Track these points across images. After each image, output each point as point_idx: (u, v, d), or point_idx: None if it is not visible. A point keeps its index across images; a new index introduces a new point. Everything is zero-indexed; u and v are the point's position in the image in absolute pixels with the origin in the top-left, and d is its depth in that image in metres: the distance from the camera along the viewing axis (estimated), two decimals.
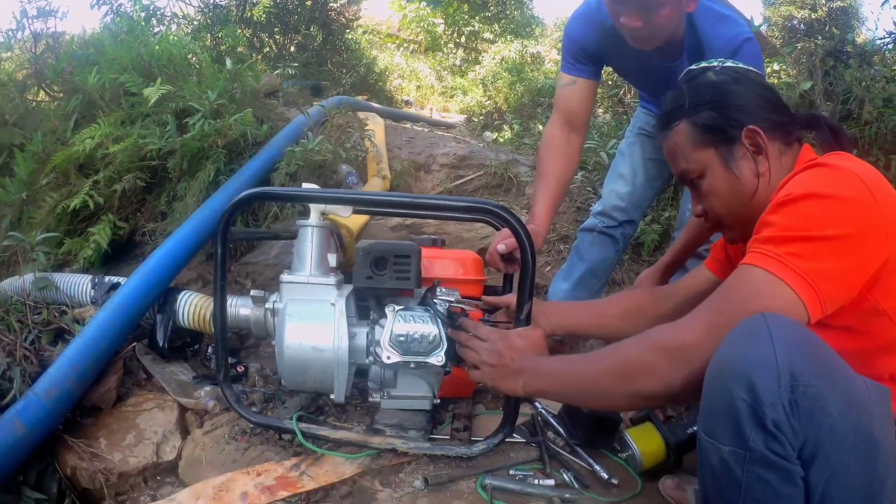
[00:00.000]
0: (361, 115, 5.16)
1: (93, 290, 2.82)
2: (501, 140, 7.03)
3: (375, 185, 4.23)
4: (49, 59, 4.77)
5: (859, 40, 4.68)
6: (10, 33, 5.02)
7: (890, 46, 4.48)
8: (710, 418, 1.32)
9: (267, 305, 2.23)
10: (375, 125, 5.16)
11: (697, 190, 1.74)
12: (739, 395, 1.23)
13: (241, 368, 2.65)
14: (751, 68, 1.77)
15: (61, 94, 4.49)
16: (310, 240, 2.19)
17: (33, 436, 2.07)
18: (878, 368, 1.46)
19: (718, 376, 1.29)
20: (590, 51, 2.58)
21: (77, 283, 2.85)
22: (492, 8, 13.80)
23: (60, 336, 2.63)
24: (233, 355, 2.82)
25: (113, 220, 3.30)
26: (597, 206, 3.08)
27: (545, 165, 2.60)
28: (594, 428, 2.21)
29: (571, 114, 2.64)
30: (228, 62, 3.79)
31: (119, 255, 3.47)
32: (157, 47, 3.94)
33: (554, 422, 2.32)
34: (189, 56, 4.08)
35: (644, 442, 2.07)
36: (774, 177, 1.62)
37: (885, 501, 1.29)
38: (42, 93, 4.92)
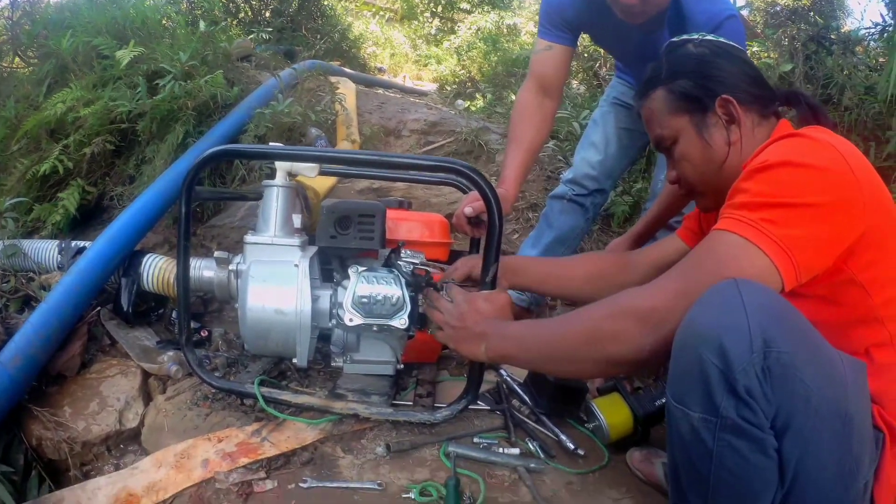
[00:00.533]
0: (333, 79, 5.07)
1: (59, 256, 2.77)
2: (473, 108, 6.95)
3: (344, 149, 4.17)
4: (25, 24, 4.69)
5: (843, 30, 4.64)
6: None
7: (875, 37, 4.44)
8: (679, 384, 1.27)
9: (230, 267, 2.19)
10: (347, 90, 5.08)
11: (672, 157, 1.74)
12: (710, 360, 1.19)
13: (204, 333, 2.61)
14: (731, 43, 1.76)
15: (36, 60, 4.42)
16: (275, 200, 2.13)
17: None
18: (854, 342, 1.42)
19: (688, 341, 1.25)
20: (569, 17, 2.53)
21: (44, 249, 2.80)
22: None
23: (28, 304, 2.59)
24: (196, 320, 2.78)
25: (82, 185, 3.24)
26: (567, 174, 3.02)
27: (517, 130, 2.55)
28: (560, 396, 2.17)
29: (546, 79, 2.59)
30: (202, 24, 3.71)
31: (88, 219, 3.42)
32: (131, 11, 3.86)
33: (519, 390, 2.28)
34: (163, 19, 4.00)
35: (611, 413, 2.04)
36: (746, 147, 1.61)
37: (861, 480, 1.26)
38: (17, 59, 4.85)
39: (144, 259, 2.63)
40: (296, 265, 2.05)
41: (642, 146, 3.01)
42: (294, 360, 2.09)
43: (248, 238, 2.13)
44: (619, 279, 2.02)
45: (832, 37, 4.27)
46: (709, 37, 1.76)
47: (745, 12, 6.23)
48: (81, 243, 2.77)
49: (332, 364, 2.21)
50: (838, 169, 1.36)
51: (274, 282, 2.04)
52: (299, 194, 2.32)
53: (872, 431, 1.33)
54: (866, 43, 4.53)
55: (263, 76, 4.35)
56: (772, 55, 4.54)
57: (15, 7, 5.15)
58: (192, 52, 3.38)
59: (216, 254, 2.22)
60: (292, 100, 3.58)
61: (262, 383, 2.12)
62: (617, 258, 2.16)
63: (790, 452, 1.19)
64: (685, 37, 1.78)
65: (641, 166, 4.08)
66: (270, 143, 2.24)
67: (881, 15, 4.40)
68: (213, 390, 2.18)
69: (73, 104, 3.32)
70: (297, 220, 2.19)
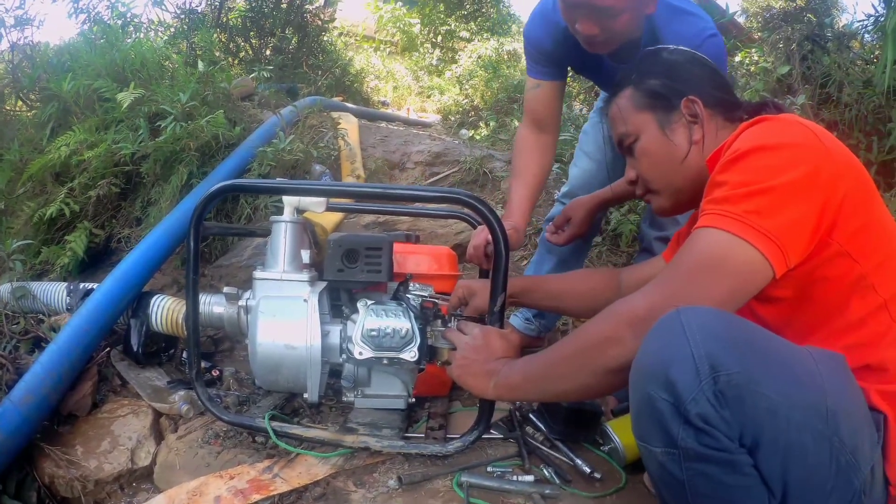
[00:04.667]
0: (335, 114, 5.11)
1: (68, 298, 2.79)
2: (478, 137, 7.00)
3: None
4: (26, 68, 4.75)
5: (838, 26, 4.64)
6: None
7: (869, 28, 4.45)
8: (638, 423, 1.28)
9: (240, 303, 2.20)
10: (349, 124, 5.11)
11: (632, 155, 1.76)
12: (660, 396, 1.19)
13: (215, 372, 2.60)
14: (704, 56, 1.80)
15: (38, 103, 4.47)
16: (283, 235, 2.15)
17: (11, 444, 2.02)
18: (850, 314, 1.42)
19: (637, 380, 1.26)
20: (548, 52, 2.52)
21: (53, 291, 2.82)
22: (467, 6, 13.70)
23: (38, 345, 2.60)
24: (207, 359, 2.78)
25: (89, 228, 3.26)
26: (563, 189, 2.96)
27: (518, 164, 2.57)
28: (574, 421, 2.17)
29: (539, 116, 2.60)
30: (200, 64, 3.75)
31: (96, 262, 3.43)
32: (131, 52, 3.90)
33: (532, 416, 2.28)
34: (163, 61, 4.05)
35: (626, 434, 2.03)
36: (709, 147, 1.63)
37: (865, 466, 1.25)
38: (20, 102, 4.91)
39: (153, 300, 2.63)
40: (305, 300, 2.07)
41: None
42: (305, 396, 2.09)
43: (257, 274, 2.15)
44: (612, 297, 2.04)
45: (827, 34, 4.28)
46: (681, 48, 1.80)
47: (741, 19, 6.28)
48: (90, 285, 2.78)
49: (344, 399, 2.21)
50: (808, 142, 1.38)
51: (283, 317, 2.05)
52: (307, 230, 2.34)
53: (869, 415, 1.32)
54: (861, 36, 4.54)
55: (265, 115, 4.39)
56: (768, 59, 4.56)
57: (15, 50, 5.22)
58: (192, 92, 3.41)
59: (225, 290, 2.24)
60: (294, 137, 3.61)
61: (272, 418, 2.12)
62: (608, 277, 2.15)
63: (769, 465, 1.18)
64: (660, 46, 1.84)
65: None
66: (277, 179, 2.25)
67: (873, 6, 4.37)
68: (225, 428, 2.18)
69: (77, 147, 3.35)
70: (305, 255, 2.19)
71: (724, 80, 1.76)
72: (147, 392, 2.48)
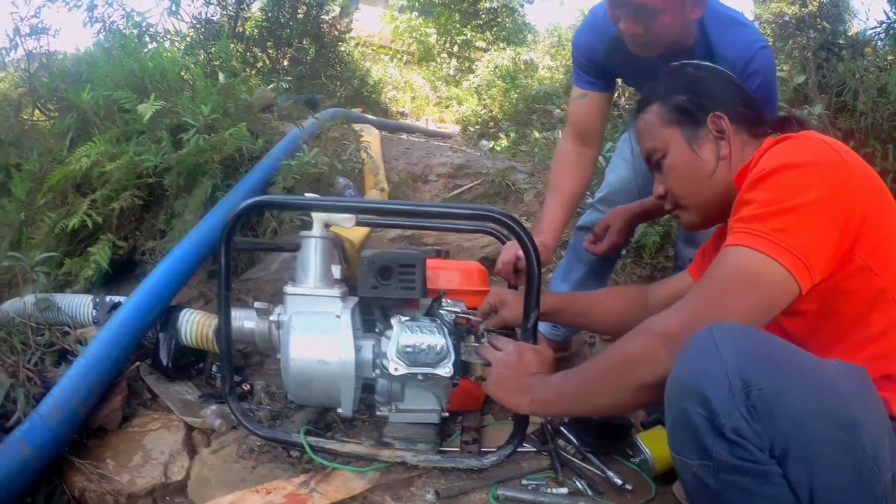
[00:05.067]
0: (356, 126, 5.14)
1: (94, 310, 2.80)
2: (498, 148, 7.03)
3: (374, 197, 4.21)
4: (43, 77, 4.76)
5: (851, 33, 4.65)
6: (2, 52, 5.03)
7: (882, 35, 4.46)
8: (674, 437, 1.33)
9: (272, 318, 2.22)
10: (371, 137, 5.13)
11: (661, 170, 1.80)
12: (695, 411, 1.24)
13: (246, 386, 2.62)
14: (727, 71, 1.85)
15: (56, 113, 4.48)
16: (313, 251, 2.17)
17: (39, 458, 2.04)
18: (872, 326, 1.48)
19: (673, 396, 1.31)
20: (597, 62, 2.53)
21: (79, 304, 2.83)
22: (483, 16, 13.79)
23: (64, 357, 2.60)
24: (237, 373, 2.79)
25: (112, 240, 3.27)
26: (597, 195, 2.90)
27: (556, 178, 2.58)
28: (605, 433, 2.20)
29: (583, 128, 2.61)
30: (221, 76, 3.76)
31: (119, 274, 3.43)
32: (150, 63, 3.91)
33: (564, 429, 2.30)
34: (182, 72, 4.06)
35: (656, 446, 2.06)
36: (735, 162, 1.68)
37: (886, 474, 1.29)
38: (37, 112, 4.92)
39: (182, 314, 2.65)
40: (337, 316, 2.09)
41: None
42: (339, 410, 2.12)
43: (289, 289, 2.17)
44: (640, 315, 2.06)
45: (841, 42, 4.29)
46: (706, 63, 1.86)
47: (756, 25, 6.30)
48: (117, 298, 2.79)
49: (378, 413, 2.23)
50: (831, 160, 1.45)
51: (316, 332, 2.08)
52: (336, 245, 2.36)
53: (890, 424, 1.36)
54: (874, 43, 4.55)
55: (286, 126, 4.40)
56: (784, 67, 4.57)
57: (31, 59, 5.23)
58: (214, 104, 3.42)
59: (256, 305, 2.27)
60: (318, 150, 3.61)
61: (307, 433, 2.14)
62: (636, 294, 2.18)
63: (797, 474, 1.22)
64: (685, 61, 1.87)
65: None
66: (306, 194, 2.27)
67: (885, 13, 4.40)
68: (259, 443, 2.21)
69: (98, 158, 3.35)
70: (336, 271, 2.23)
71: (748, 96, 1.80)
72: (178, 406, 2.50)
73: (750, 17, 6.34)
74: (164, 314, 2.66)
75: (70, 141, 3.80)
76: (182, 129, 3.41)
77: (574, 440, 2.25)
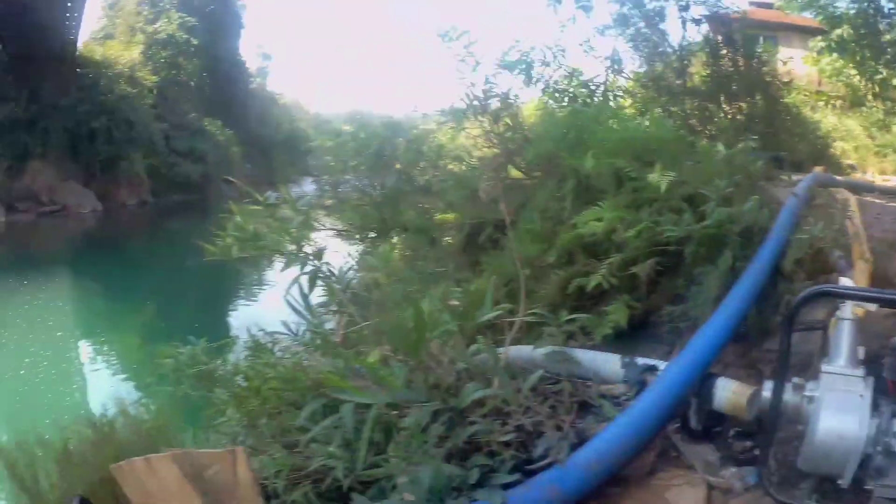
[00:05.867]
0: (833, 190, 4.93)
1: (623, 370, 3.00)
2: None
3: (862, 269, 3.98)
4: (506, 132, 5.29)
5: None
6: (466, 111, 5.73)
7: None
8: None
9: (805, 393, 2.34)
10: (851, 202, 4.88)
11: None
12: None
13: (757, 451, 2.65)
14: None
15: (538, 173, 4.94)
16: (846, 333, 2.36)
17: (563, 501, 2.25)
18: None
19: None
20: None
21: (604, 361, 3.06)
22: (889, 51, 12.33)
23: (584, 409, 2.82)
24: (748, 438, 2.80)
25: (627, 300, 3.49)
26: None
27: None
28: None
29: None
30: (720, 146, 3.85)
31: (632, 333, 3.64)
32: (650, 129, 4.14)
33: None
34: (680, 139, 4.23)
35: None
36: None
37: None
38: (514, 170, 5.48)
39: (717, 381, 2.75)
40: (861, 395, 2.22)
41: None
42: (839, 481, 2.19)
43: (825, 367, 2.33)
44: None
45: None
46: None
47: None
48: (648, 361, 2.97)
49: (865, 486, 2.22)
50: None
51: (843, 411, 2.20)
52: (859, 325, 2.46)
53: None
54: None
55: (774, 190, 4.36)
56: None
57: (497, 120, 5.85)
58: (728, 177, 3.52)
59: (794, 380, 2.38)
60: (822, 224, 3.55)
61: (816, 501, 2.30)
62: None
63: None
64: None
65: None
66: (841, 279, 2.30)
67: None
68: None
69: (612, 224, 3.62)
70: (861, 351, 2.36)
71: None
72: (702, 465, 2.61)
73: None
74: (701, 380, 2.78)
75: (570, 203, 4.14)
76: (693, 199, 3.55)
77: None
